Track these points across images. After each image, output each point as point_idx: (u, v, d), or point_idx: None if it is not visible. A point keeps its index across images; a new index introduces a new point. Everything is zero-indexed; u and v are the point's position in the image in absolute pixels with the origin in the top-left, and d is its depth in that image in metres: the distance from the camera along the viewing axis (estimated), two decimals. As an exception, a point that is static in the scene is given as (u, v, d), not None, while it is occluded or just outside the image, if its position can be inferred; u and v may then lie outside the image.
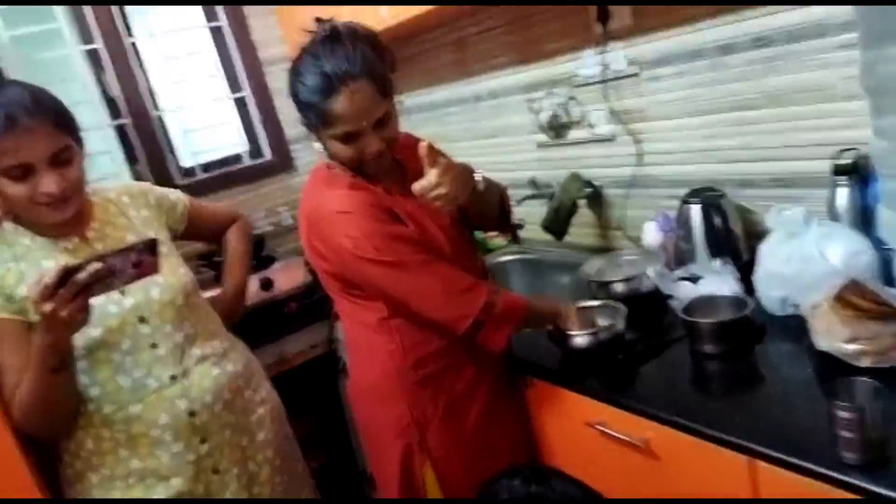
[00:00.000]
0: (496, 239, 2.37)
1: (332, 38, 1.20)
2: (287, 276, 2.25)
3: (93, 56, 2.39)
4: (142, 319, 1.29)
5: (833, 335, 1.13)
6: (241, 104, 2.70)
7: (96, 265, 1.06)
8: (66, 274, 1.04)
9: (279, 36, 2.65)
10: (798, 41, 1.40)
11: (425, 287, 1.23)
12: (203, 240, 1.75)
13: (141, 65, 2.49)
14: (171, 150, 2.57)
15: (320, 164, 1.35)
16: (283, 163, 2.72)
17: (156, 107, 2.53)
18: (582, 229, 2.09)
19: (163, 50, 2.55)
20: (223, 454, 1.36)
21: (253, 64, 2.65)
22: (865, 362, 1.09)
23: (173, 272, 1.36)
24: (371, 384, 1.39)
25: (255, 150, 2.72)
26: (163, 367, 1.30)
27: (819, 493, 0.94)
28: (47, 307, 1.04)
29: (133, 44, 2.46)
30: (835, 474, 0.91)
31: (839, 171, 1.36)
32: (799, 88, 1.44)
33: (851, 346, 1.11)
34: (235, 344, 1.50)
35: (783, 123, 1.49)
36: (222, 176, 2.62)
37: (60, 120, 1.21)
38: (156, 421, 1.28)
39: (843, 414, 0.89)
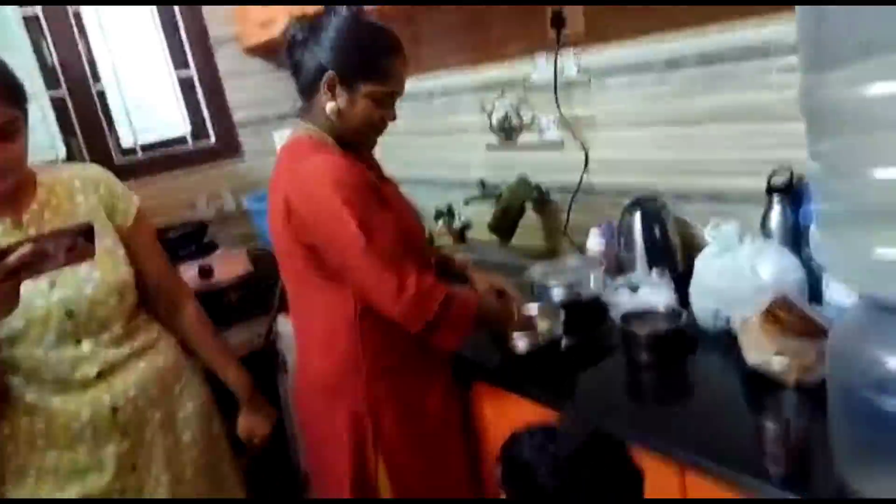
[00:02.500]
0: (443, 236, 2.37)
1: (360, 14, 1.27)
2: (228, 266, 2.19)
3: (32, 22, 2.27)
4: (69, 314, 1.23)
5: (761, 350, 1.17)
6: (187, 84, 2.61)
7: (26, 248, 1.00)
8: None
9: (231, 14, 2.57)
10: (742, 61, 1.45)
11: (385, 283, 1.20)
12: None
13: (84, 35, 2.38)
14: (111, 127, 2.47)
15: (300, 134, 1.31)
16: (228, 147, 2.64)
17: (97, 80, 2.42)
18: (528, 232, 2.11)
19: (108, 22, 2.44)
20: (145, 452, 1.32)
21: (202, 43, 2.57)
22: (791, 378, 1.14)
23: (113, 270, 1.29)
24: (325, 378, 1.36)
25: (200, 133, 2.64)
26: (88, 364, 1.25)
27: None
28: None
29: (76, 13, 2.35)
30: (761, 485, 0.95)
31: (773, 189, 1.41)
32: (739, 107, 1.49)
33: (778, 362, 1.15)
34: (165, 337, 1.42)
35: (722, 140, 1.54)
36: (164, 157, 2.54)
37: (10, 90, 1.12)
38: (77, 415, 1.23)
39: (769, 428, 0.92)
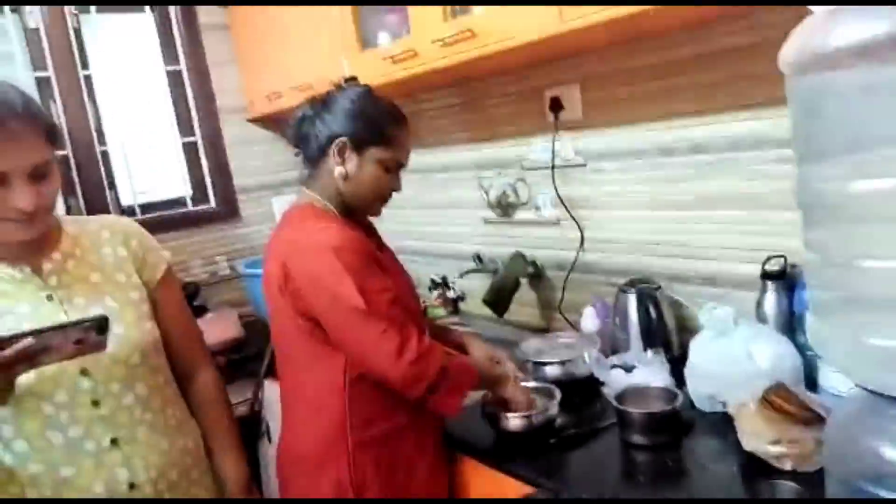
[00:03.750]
0: (437, 307, 2.36)
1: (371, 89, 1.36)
2: (218, 329, 2.17)
3: (44, 83, 2.33)
4: (84, 372, 1.12)
5: (758, 437, 1.16)
6: (190, 148, 2.66)
7: (27, 342, 0.92)
8: None
9: (238, 87, 2.66)
10: (735, 151, 1.50)
11: (386, 344, 1.20)
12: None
13: (93, 98, 2.44)
14: (112, 186, 2.49)
15: (303, 202, 1.34)
16: (227, 211, 2.67)
17: (102, 142, 2.46)
18: (522, 307, 2.11)
19: (117, 87, 2.51)
20: (206, 498, 1.22)
21: (208, 111, 2.64)
22: (788, 465, 1.12)
23: (137, 325, 1.20)
24: (310, 445, 1.33)
25: (200, 197, 2.67)
26: (104, 428, 1.14)
27: None
28: None
29: (87, 76, 2.42)
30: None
31: (767, 275, 1.43)
32: (733, 195, 1.53)
33: (775, 449, 1.13)
34: (189, 419, 1.33)
35: (716, 225, 1.57)
36: (162, 218, 2.55)
37: (49, 130, 1.08)
38: (89, 489, 1.12)
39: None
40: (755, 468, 1.14)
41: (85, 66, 2.41)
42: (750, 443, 1.17)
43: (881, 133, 0.75)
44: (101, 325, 1.00)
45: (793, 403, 1.17)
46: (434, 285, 2.37)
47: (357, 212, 1.36)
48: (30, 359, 0.94)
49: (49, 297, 1.13)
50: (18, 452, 1.09)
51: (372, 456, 1.30)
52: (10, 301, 1.09)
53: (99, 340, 1.01)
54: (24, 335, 0.93)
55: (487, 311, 2.06)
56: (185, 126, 2.65)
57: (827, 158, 0.83)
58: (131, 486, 1.15)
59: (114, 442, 1.14)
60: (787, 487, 0.97)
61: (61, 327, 0.98)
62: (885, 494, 0.79)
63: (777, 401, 1.18)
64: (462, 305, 2.36)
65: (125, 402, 1.17)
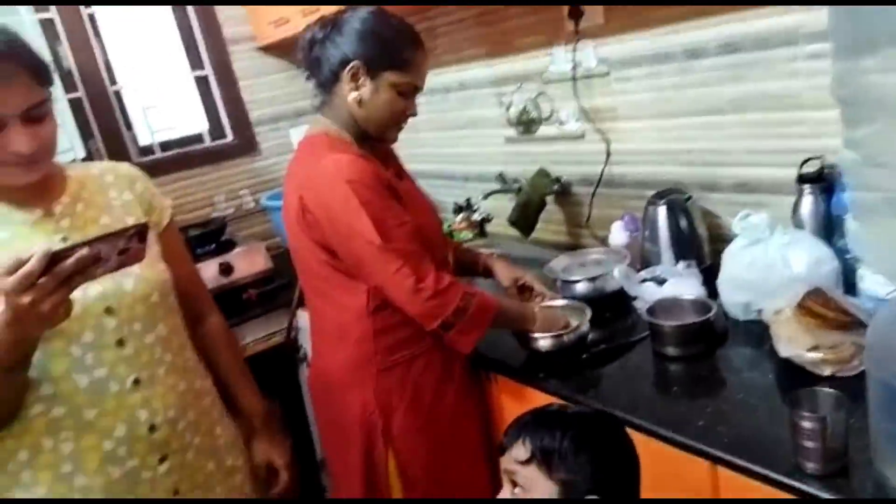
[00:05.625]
0: (463, 231, 2.35)
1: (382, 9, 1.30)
2: (247, 262, 2.19)
3: (47, 25, 2.28)
4: (108, 311, 1.11)
5: (795, 343, 1.15)
6: (202, 83, 2.61)
7: (83, 251, 0.91)
8: (49, 260, 0.88)
9: (244, 14, 2.57)
10: (767, 49, 1.41)
11: (402, 280, 1.21)
12: None
13: (98, 37, 2.38)
14: (129, 127, 2.47)
15: (317, 131, 1.31)
16: (245, 145, 2.64)
17: (113, 81, 2.43)
18: (548, 226, 2.09)
19: (122, 23, 2.45)
20: (185, 476, 1.20)
21: (216, 42, 2.57)
22: (827, 371, 1.11)
23: (152, 266, 1.19)
24: (337, 371, 1.36)
25: (217, 131, 2.64)
26: (127, 367, 1.12)
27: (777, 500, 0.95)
28: (25, 299, 0.87)
29: (91, 15, 2.36)
30: (795, 483, 0.92)
31: (804, 179, 1.38)
32: (766, 96, 1.45)
33: (813, 355, 1.12)
34: (200, 361, 1.32)
35: (749, 129, 1.51)
36: (181, 156, 2.54)
37: (39, 70, 1.03)
38: (110, 432, 1.10)
39: (805, 424, 0.90)
40: (792, 374, 1.13)
41: (87, 3, 2.34)
42: (787, 349, 1.16)
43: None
44: (141, 232, 0.99)
45: (831, 308, 1.15)
46: (458, 209, 2.35)
47: (372, 138, 1.32)
48: (85, 270, 0.93)
49: (64, 239, 1.12)
50: (43, 397, 1.07)
51: (397, 379, 1.32)
52: (28, 243, 1.06)
53: (140, 248, 1.00)
54: (76, 246, 0.92)
55: (514, 232, 2.04)
56: (194, 60, 2.59)
57: (870, 50, 0.77)
58: (151, 427, 1.14)
59: (136, 382, 1.13)
60: (828, 394, 0.96)
61: (108, 235, 0.97)
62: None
63: (814, 306, 1.15)
64: (488, 227, 2.33)
65: (147, 341, 1.16)
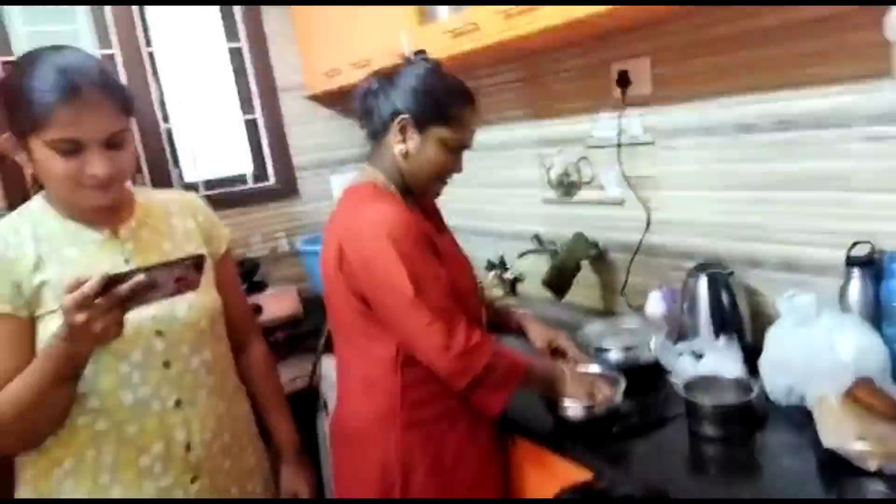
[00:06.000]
0: (494, 288, 2.33)
1: (438, 65, 1.32)
2: (277, 305, 2.20)
3: (107, 61, 2.38)
4: (159, 333, 1.17)
5: (841, 433, 1.09)
6: (251, 126, 2.69)
7: (140, 277, 0.95)
8: (108, 283, 0.94)
9: (298, 62, 2.66)
10: (821, 128, 1.40)
11: (432, 337, 1.19)
12: None
13: (156, 75, 2.48)
14: (176, 163, 2.54)
15: (363, 180, 1.33)
16: (287, 189, 2.69)
17: (165, 119, 2.51)
18: (583, 290, 2.05)
19: (179, 65, 2.55)
20: (213, 495, 1.24)
21: (268, 88, 2.65)
22: (873, 465, 1.05)
23: (205, 293, 1.24)
24: (360, 422, 1.33)
25: (260, 174, 2.70)
26: (171, 388, 1.18)
27: None
28: (80, 317, 0.93)
29: (150, 53, 2.46)
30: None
31: (853, 262, 1.34)
32: (817, 175, 1.43)
33: (860, 447, 1.06)
34: (241, 387, 1.38)
35: (798, 208, 1.48)
36: (224, 195, 2.59)
37: (124, 101, 1.11)
38: (149, 448, 1.16)
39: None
40: (836, 466, 1.07)
41: (148, 43, 2.45)
42: (831, 439, 1.10)
43: None
44: (198, 263, 1.03)
45: (879, 399, 1.09)
46: (491, 266, 2.34)
47: (417, 191, 1.32)
48: (140, 295, 0.98)
49: (126, 261, 1.17)
50: (89, 410, 1.12)
51: (421, 437, 1.28)
52: (94, 261, 1.14)
53: (196, 278, 1.04)
54: (135, 272, 0.96)
55: (545, 294, 2.02)
56: (245, 104, 2.67)
57: None
58: (188, 447, 1.18)
59: (177, 403, 1.18)
60: (873, 487, 0.90)
61: (166, 265, 1.01)
62: None
63: (862, 396, 1.10)
64: (519, 287, 2.31)
65: (192, 365, 1.21)
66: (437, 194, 1.38)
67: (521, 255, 2.11)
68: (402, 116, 1.26)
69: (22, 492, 1.18)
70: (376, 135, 1.31)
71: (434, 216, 1.43)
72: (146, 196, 1.29)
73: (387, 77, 1.30)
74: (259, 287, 2.28)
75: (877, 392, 1.10)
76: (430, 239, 1.26)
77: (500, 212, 2.38)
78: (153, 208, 1.27)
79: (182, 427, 1.18)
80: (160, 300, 1.03)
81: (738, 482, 1.13)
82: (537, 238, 2.16)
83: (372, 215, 1.22)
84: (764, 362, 1.32)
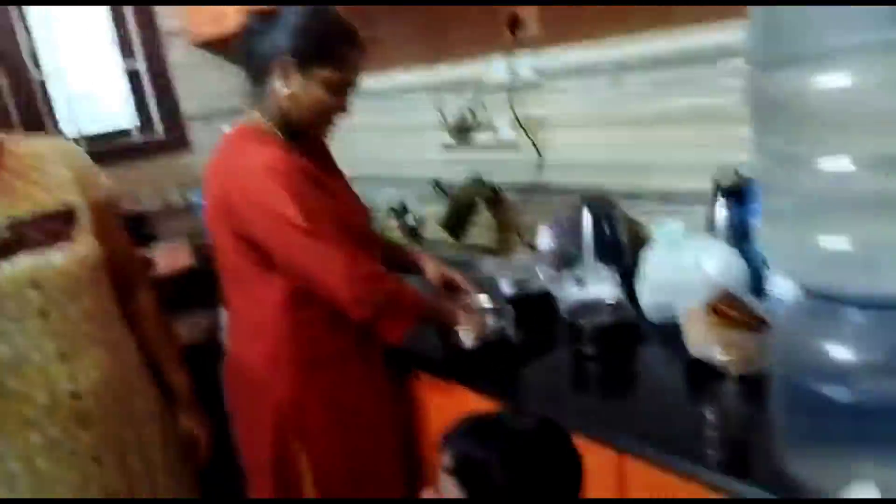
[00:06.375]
0: (397, 234, 2.34)
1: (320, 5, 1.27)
2: (170, 258, 2.13)
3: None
4: (34, 285, 1.13)
5: (705, 343, 1.19)
6: (134, 76, 2.54)
7: (6, 234, 0.94)
8: None
9: (181, 8, 2.52)
10: (692, 65, 1.48)
11: (335, 263, 1.18)
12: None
13: (24, 22, 2.29)
14: (53, 118, 2.37)
15: (244, 123, 1.29)
16: (176, 141, 2.56)
17: (38, 68, 2.33)
18: (481, 231, 2.10)
19: (51, 10, 2.36)
20: (106, 445, 1.22)
21: (150, 35, 2.50)
22: (733, 369, 1.15)
23: (81, 241, 1.20)
24: (253, 366, 1.32)
25: (147, 126, 2.56)
26: (51, 339, 1.15)
27: (680, 487, 0.98)
28: None
29: (17, -3, 2.26)
30: (699, 472, 0.95)
31: (719, 189, 1.44)
32: (688, 110, 1.51)
33: (721, 354, 1.16)
34: (129, 336, 1.34)
35: (672, 142, 1.57)
36: (108, 150, 2.44)
37: None
38: (33, 399, 1.14)
39: (708, 414, 0.93)
40: (701, 373, 1.17)
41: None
42: (696, 349, 1.20)
43: (837, 37, 0.74)
44: (67, 215, 1.04)
45: (737, 310, 1.19)
46: (393, 212, 2.35)
47: (303, 134, 1.30)
48: (9, 248, 0.97)
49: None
50: None
51: (315, 377, 1.29)
52: None
53: (66, 230, 1.05)
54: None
55: (447, 237, 2.05)
56: (125, 51, 2.51)
57: (784, 63, 0.82)
58: (74, 396, 1.17)
59: (60, 354, 1.16)
60: (732, 390, 1.00)
61: (35, 218, 1.02)
62: (826, 390, 0.81)
63: (722, 308, 1.20)
64: (421, 232, 2.33)
65: (72, 314, 1.17)
66: (324, 136, 1.35)
67: (422, 200, 2.13)
68: (283, 57, 1.21)
69: None
70: (258, 77, 1.26)
71: (324, 159, 1.41)
72: (20, 144, 1.22)
73: (267, 17, 1.24)
74: (148, 240, 2.19)
75: (734, 303, 1.20)
76: (314, 175, 1.24)
77: (400, 158, 2.38)
78: (26, 157, 1.20)
79: (67, 377, 1.16)
80: (29, 253, 1.02)
81: (615, 392, 1.22)
82: (437, 183, 2.18)
83: (254, 158, 1.19)
84: (639, 284, 1.41)
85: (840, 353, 0.80)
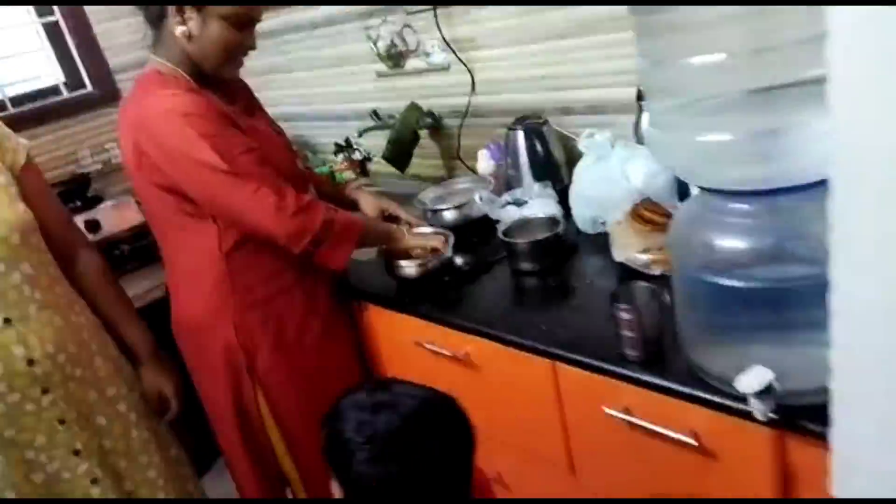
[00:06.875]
0: (345, 172, 2.34)
1: None
2: (116, 218, 2.12)
3: None
4: None
5: (628, 247, 1.24)
6: (54, 30, 2.43)
7: None
8: None
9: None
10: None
11: (262, 201, 1.19)
12: None
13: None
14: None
15: (149, 69, 1.27)
16: (107, 94, 2.49)
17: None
18: (424, 160, 2.11)
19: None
20: (69, 406, 1.25)
21: (63, -16, 2.38)
22: (657, 270, 1.21)
23: (10, 207, 1.20)
24: (195, 315, 1.36)
25: (75, 82, 2.48)
26: None
27: (607, 387, 1.05)
28: None
29: None
30: (618, 369, 1.02)
31: (642, 97, 1.45)
32: (610, 17, 1.51)
33: (643, 257, 1.22)
34: (78, 298, 1.36)
35: (596, 52, 1.57)
36: (37, 110, 2.37)
37: None
38: None
39: (622, 315, 0.99)
40: (629, 278, 1.22)
41: None
42: (620, 253, 1.25)
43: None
44: None
45: (658, 214, 1.24)
46: (338, 148, 2.33)
47: (212, 76, 1.28)
48: None
49: None
50: None
51: (258, 317, 1.33)
52: None
53: None
54: None
55: (394, 169, 2.06)
56: (41, 5, 2.40)
57: None
58: (30, 361, 1.19)
59: (7, 321, 1.17)
60: (644, 288, 1.04)
61: None
62: (718, 280, 0.86)
63: (645, 213, 1.25)
64: (370, 166, 2.33)
65: (12, 281, 1.18)
66: (232, 75, 1.33)
67: (361, 132, 2.12)
68: None
69: None
70: (154, 20, 1.24)
71: (241, 98, 1.39)
72: None
73: None
74: (94, 202, 2.17)
75: (656, 208, 1.25)
76: (227, 116, 1.24)
77: (336, 91, 2.34)
78: None
79: (19, 344, 1.18)
80: None
81: (548, 305, 1.28)
82: (375, 114, 2.16)
83: (159, 102, 1.18)
84: (571, 199, 1.45)
85: (730, 242, 0.85)
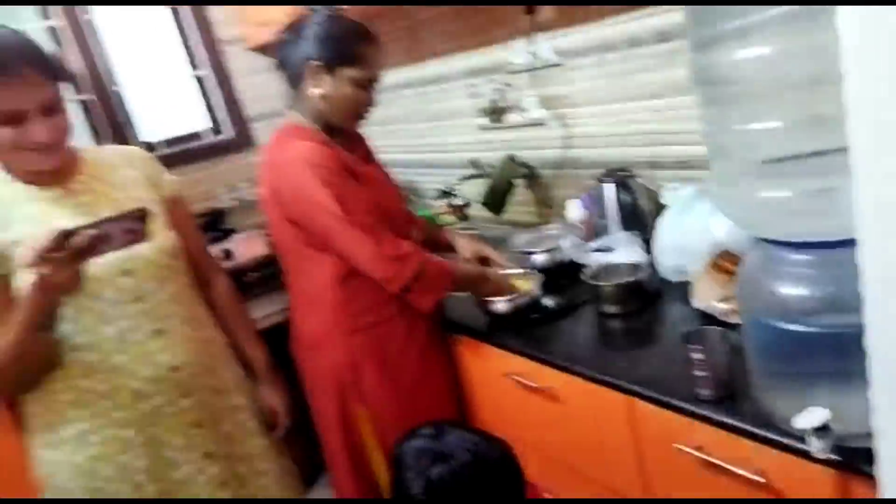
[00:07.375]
0: (445, 216, 2.52)
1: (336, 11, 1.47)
2: (247, 248, 2.39)
3: (50, 33, 2.47)
4: (126, 273, 1.29)
5: (708, 296, 1.32)
6: (202, 83, 2.80)
7: (91, 231, 1.07)
8: (62, 238, 1.05)
9: (236, 17, 2.75)
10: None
11: (364, 247, 1.39)
12: None
13: (98, 42, 2.57)
14: (132, 125, 2.66)
15: (288, 122, 1.51)
16: (243, 140, 2.83)
17: (114, 83, 2.61)
18: (520, 208, 2.26)
19: (121, 27, 2.63)
20: (203, 411, 1.38)
21: (211, 43, 2.75)
22: (734, 319, 1.28)
23: (161, 233, 1.36)
24: (311, 335, 1.56)
25: (216, 128, 2.83)
26: (147, 319, 1.31)
27: (679, 425, 1.13)
28: (43, 270, 1.07)
29: (88, 21, 2.54)
30: (691, 407, 1.10)
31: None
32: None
33: (722, 305, 1.30)
34: (210, 316, 1.51)
35: (686, 111, 1.67)
36: (183, 152, 2.73)
37: (53, 69, 1.21)
38: (138, 373, 1.30)
39: (694, 354, 1.07)
40: (709, 324, 1.30)
41: (84, 10, 2.52)
42: (701, 302, 1.33)
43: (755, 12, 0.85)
44: (141, 215, 1.17)
45: (737, 265, 1.31)
46: (441, 194, 2.52)
47: (338, 129, 1.49)
48: (94, 247, 1.10)
49: (84, 214, 1.28)
50: (78, 345, 1.27)
51: (365, 340, 1.51)
52: (54, 216, 1.26)
53: (141, 229, 1.18)
54: (86, 227, 1.10)
55: (490, 214, 2.21)
56: (192, 61, 2.77)
57: (715, 41, 0.93)
58: (173, 368, 1.35)
59: (157, 332, 1.33)
60: (716, 332, 1.12)
61: (113, 218, 1.15)
62: (780, 325, 0.94)
63: (724, 263, 1.33)
64: (468, 211, 2.50)
65: (162, 297, 1.36)
66: (358, 128, 1.55)
67: (461, 180, 2.30)
68: (311, 62, 1.42)
69: (30, 425, 1.32)
70: (294, 82, 1.47)
71: (360, 149, 1.60)
72: (91, 152, 1.41)
73: (294, 29, 1.45)
74: (226, 234, 2.46)
75: (735, 259, 1.32)
76: (349, 167, 1.45)
77: (441, 142, 2.55)
78: (100, 163, 1.39)
79: (164, 352, 1.34)
80: (113, 252, 1.18)
81: (630, 346, 1.37)
82: (475, 163, 2.34)
83: (294, 151, 1.41)
84: (655, 247, 1.54)
85: (789, 290, 0.93)
